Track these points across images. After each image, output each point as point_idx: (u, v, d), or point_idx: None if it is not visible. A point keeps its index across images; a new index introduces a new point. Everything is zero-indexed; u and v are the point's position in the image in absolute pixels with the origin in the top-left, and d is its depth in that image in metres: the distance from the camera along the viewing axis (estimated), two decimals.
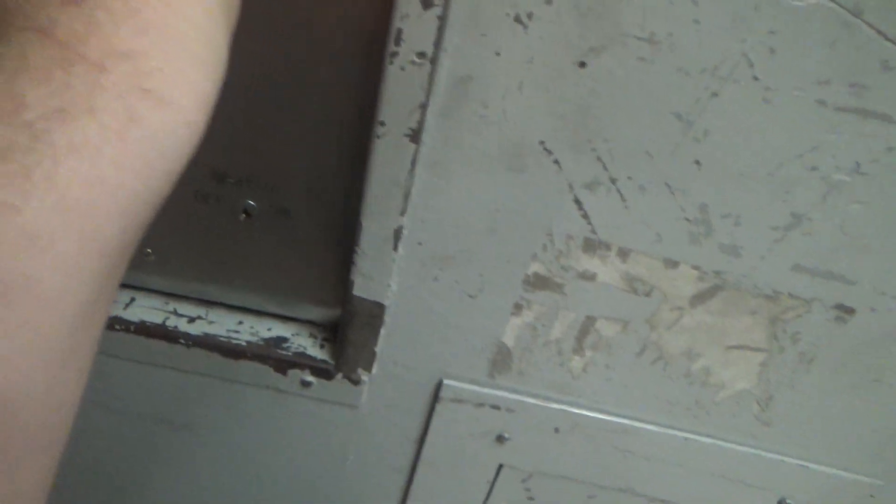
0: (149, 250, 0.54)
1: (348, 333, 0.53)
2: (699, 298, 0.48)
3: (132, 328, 0.55)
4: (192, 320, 0.56)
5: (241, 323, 0.57)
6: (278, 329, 0.57)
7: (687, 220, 0.45)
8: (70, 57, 0.20)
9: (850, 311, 0.47)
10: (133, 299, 0.57)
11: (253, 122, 0.47)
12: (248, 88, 0.45)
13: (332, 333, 0.57)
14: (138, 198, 0.22)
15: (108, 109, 0.20)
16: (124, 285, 0.57)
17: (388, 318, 0.52)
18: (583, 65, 0.40)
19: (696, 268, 0.47)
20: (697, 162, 0.42)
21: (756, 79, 0.39)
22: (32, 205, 0.19)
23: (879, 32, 0.37)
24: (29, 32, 0.21)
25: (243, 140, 0.48)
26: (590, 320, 0.50)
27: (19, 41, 0.20)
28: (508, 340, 0.52)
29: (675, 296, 0.48)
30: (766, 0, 0.37)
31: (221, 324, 0.57)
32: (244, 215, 0.52)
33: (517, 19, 0.39)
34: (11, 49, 0.20)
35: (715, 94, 0.40)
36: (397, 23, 0.38)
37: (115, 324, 0.55)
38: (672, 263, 0.47)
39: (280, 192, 0.50)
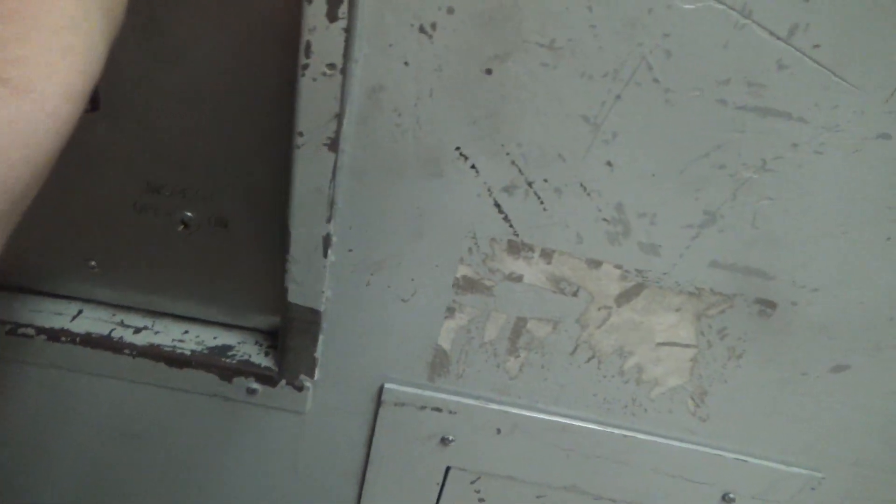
0: (93, 263, 0.56)
1: (287, 340, 0.54)
2: (624, 297, 0.49)
3: (78, 340, 0.56)
4: (137, 331, 0.57)
5: (186, 332, 0.58)
6: (224, 338, 0.58)
7: (605, 220, 0.46)
8: None
9: (772, 304, 0.48)
10: (80, 311, 0.58)
11: (186, 133, 0.48)
12: (181, 101, 0.46)
13: (276, 341, 0.58)
14: None
15: None
16: (71, 297, 0.58)
17: (325, 323, 0.53)
18: (489, 72, 0.41)
19: (618, 267, 0.48)
20: (609, 163, 0.43)
21: (656, 81, 0.40)
22: None
23: (771, 33, 0.38)
24: None
25: (177, 152, 0.49)
26: (521, 321, 0.51)
27: None
28: (445, 343, 0.53)
29: (601, 295, 0.49)
30: (658, 3, 0.38)
31: (167, 333, 0.58)
32: (182, 226, 0.53)
33: (421, 29, 0.40)
34: None
35: (619, 97, 0.41)
36: (306, 35, 0.39)
37: (61, 336, 0.56)
38: (595, 263, 0.48)
39: (217, 203, 0.52)
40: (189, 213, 0.52)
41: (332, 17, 0.39)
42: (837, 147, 0.41)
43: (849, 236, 0.45)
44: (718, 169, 0.43)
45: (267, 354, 0.58)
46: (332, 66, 0.40)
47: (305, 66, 0.40)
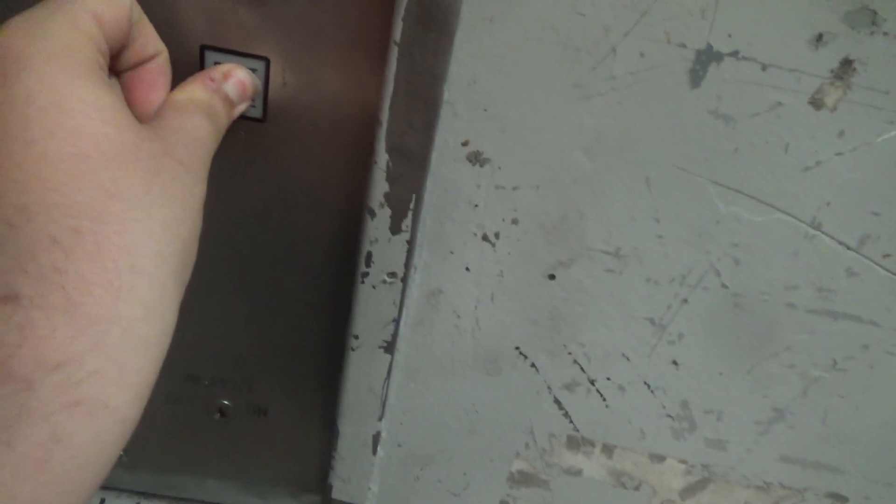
0: (121, 453, 0.53)
1: None
2: (689, 491, 0.47)
3: None
4: None
5: None
6: None
7: (669, 416, 0.44)
8: None
9: (844, 499, 0.46)
10: (103, 500, 0.55)
11: (227, 325, 0.47)
12: (224, 293, 0.45)
13: None
14: None
15: (30, 438, 0.19)
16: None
17: None
18: (552, 277, 0.40)
19: (682, 461, 0.46)
20: (675, 363, 0.42)
21: (724, 286, 0.39)
22: None
23: (840, 243, 0.38)
24: None
25: (217, 342, 0.48)
26: None
27: None
28: None
29: (664, 489, 0.47)
30: (727, 216, 0.37)
31: None
32: (219, 415, 0.51)
33: (485, 238, 0.39)
34: None
35: (685, 301, 0.40)
36: (367, 246, 0.39)
37: None
38: (658, 458, 0.46)
39: (255, 392, 0.50)
40: (226, 402, 0.50)
41: (395, 230, 0.38)
42: None
43: None
44: (788, 368, 0.42)
45: None
46: (392, 274, 0.39)
47: (365, 275, 0.40)
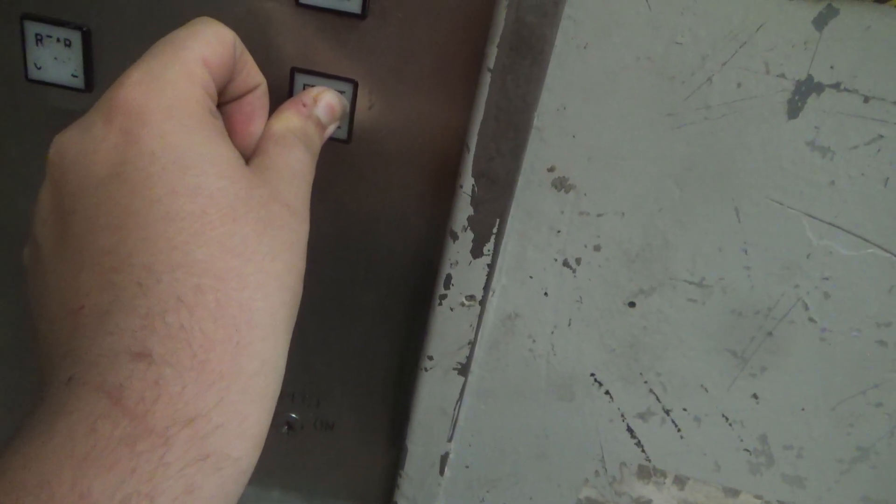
0: None
1: None
2: None
3: None
4: None
5: None
6: None
7: (746, 450, 0.43)
8: (136, 433, 0.20)
9: None
10: None
11: (300, 340, 0.47)
12: (300, 308, 0.45)
13: None
14: None
15: (167, 491, 0.20)
16: None
17: None
18: (632, 304, 0.39)
19: (758, 497, 0.44)
20: (755, 396, 0.41)
21: (812, 320, 0.38)
22: None
23: None
24: (101, 396, 0.20)
25: (289, 356, 0.48)
26: None
27: (91, 408, 0.20)
28: None
29: None
30: (818, 250, 0.36)
31: None
32: (286, 428, 0.51)
33: (565, 264, 0.39)
34: (83, 420, 0.20)
35: (770, 334, 0.39)
36: (447, 269, 0.39)
37: None
38: (732, 492, 0.44)
39: (324, 407, 0.50)
40: (294, 416, 0.51)
41: (476, 253, 0.38)
42: None
43: None
44: (875, 407, 0.40)
45: None
46: (471, 297, 0.39)
47: (443, 297, 0.40)
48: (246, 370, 0.22)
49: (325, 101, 0.34)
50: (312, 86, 0.36)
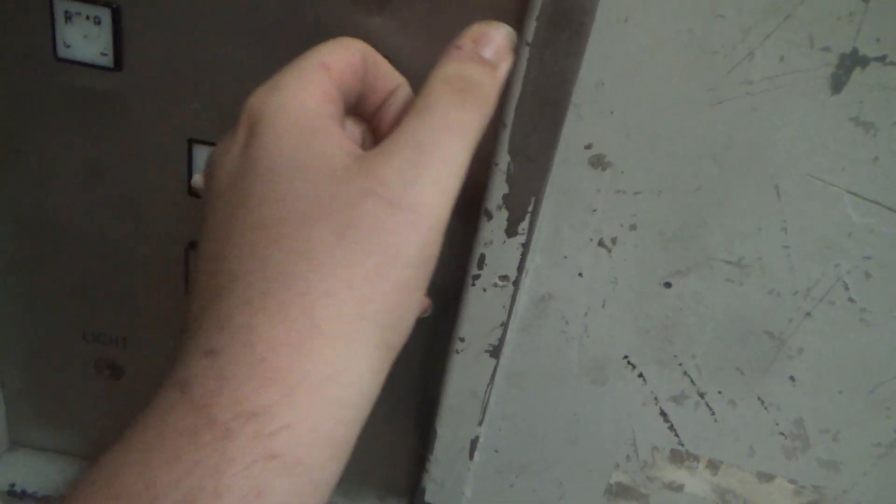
0: None
1: None
2: None
3: None
4: None
5: None
6: None
7: (782, 434, 0.42)
8: (199, 424, 0.20)
9: None
10: None
11: None
12: None
13: None
14: None
15: (234, 490, 0.19)
16: None
17: None
18: (668, 285, 0.39)
19: (792, 482, 0.44)
20: (792, 378, 0.40)
21: (852, 300, 0.38)
22: None
23: None
24: (174, 388, 0.21)
25: None
26: None
27: (164, 401, 0.21)
28: None
29: None
30: (859, 228, 0.36)
31: None
32: None
33: (601, 244, 0.39)
34: (156, 412, 0.21)
35: (808, 315, 0.38)
36: (480, 248, 0.38)
37: None
38: (767, 477, 0.44)
39: None
40: None
41: (511, 232, 0.38)
42: None
43: None
44: None
45: None
46: (504, 277, 0.39)
47: (476, 277, 0.39)
48: (312, 374, 0.21)
49: (488, 36, 0.27)
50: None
